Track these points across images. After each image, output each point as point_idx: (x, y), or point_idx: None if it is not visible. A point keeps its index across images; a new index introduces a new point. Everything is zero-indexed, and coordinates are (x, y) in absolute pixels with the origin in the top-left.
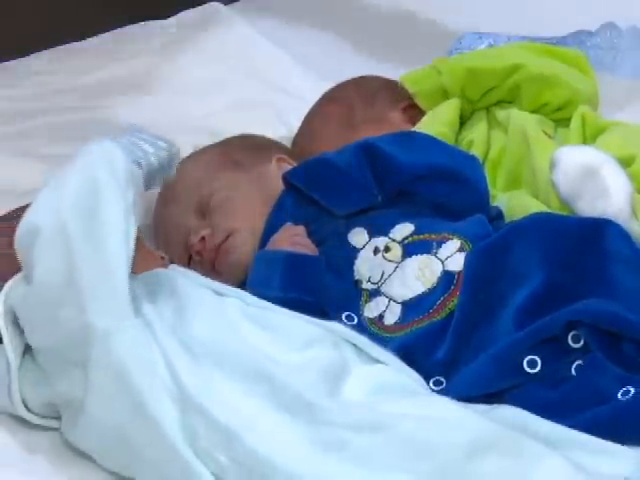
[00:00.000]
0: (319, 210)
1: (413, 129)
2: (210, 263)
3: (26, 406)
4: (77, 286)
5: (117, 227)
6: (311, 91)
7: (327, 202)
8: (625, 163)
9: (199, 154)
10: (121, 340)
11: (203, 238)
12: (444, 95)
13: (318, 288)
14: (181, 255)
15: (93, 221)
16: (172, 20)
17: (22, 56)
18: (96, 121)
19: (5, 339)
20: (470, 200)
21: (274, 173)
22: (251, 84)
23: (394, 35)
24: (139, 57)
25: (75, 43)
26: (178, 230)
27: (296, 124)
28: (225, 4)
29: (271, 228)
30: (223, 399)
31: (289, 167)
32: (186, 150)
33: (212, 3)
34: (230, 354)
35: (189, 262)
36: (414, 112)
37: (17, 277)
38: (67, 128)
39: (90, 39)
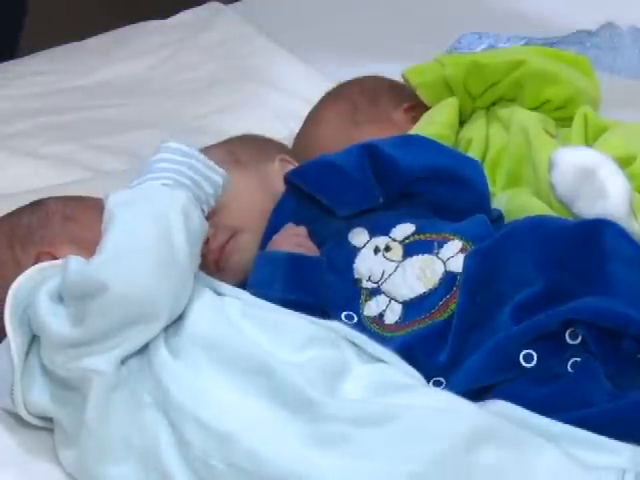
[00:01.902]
0: (320, 210)
1: (413, 129)
2: (214, 264)
3: (26, 408)
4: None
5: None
6: (312, 91)
7: (329, 202)
8: (625, 163)
9: None
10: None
11: (207, 239)
12: (447, 88)
13: (319, 289)
14: None
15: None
16: (172, 20)
17: (22, 56)
18: (96, 121)
19: (11, 340)
20: (471, 202)
21: (277, 173)
22: (251, 84)
23: (395, 35)
24: (139, 57)
25: (75, 43)
26: None
27: (296, 124)
28: (225, 4)
29: (272, 228)
30: (220, 404)
31: (291, 167)
32: None
33: (212, 3)
34: (229, 351)
35: None
36: (417, 112)
37: (24, 277)
38: (67, 128)
39: (90, 39)
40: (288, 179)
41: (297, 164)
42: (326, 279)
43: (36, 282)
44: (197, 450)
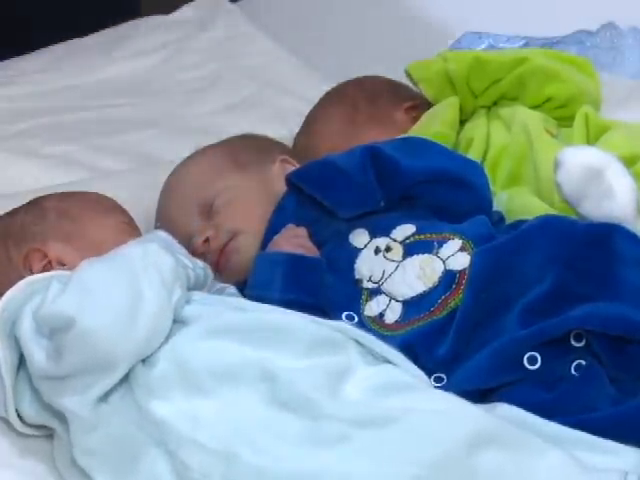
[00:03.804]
0: (321, 212)
1: (413, 128)
2: (214, 264)
3: (21, 418)
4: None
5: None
6: (312, 91)
7: (330, 204)
8: (629, 162)
9: (202, 154)
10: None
11: (207, 239)
12: (449, 84)
13: (319, 290)
14: None
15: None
16: (173, 17)
17: (22, 56)
18: (96, 121)
19: (0, 356)
20: (472, 204)
21: (278, 174)
22: (251, 84)
23: (395, 35)
24: (139, 56)
25: (75, 40)
26: (181, 231)
27: (296, 124)
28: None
29: (273, 229)
30: (217, 421)
31: (292, 168)
32: (186, 150)
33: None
34: (229, 357)
35: None
36: (418, 112)
37: (15, 290)
38: (67, 128)
39: (90, 38)
40: (290, 180)
41: (298, 165)
42: (326, 280)
43: (26, 296)
44: (197, 473)
